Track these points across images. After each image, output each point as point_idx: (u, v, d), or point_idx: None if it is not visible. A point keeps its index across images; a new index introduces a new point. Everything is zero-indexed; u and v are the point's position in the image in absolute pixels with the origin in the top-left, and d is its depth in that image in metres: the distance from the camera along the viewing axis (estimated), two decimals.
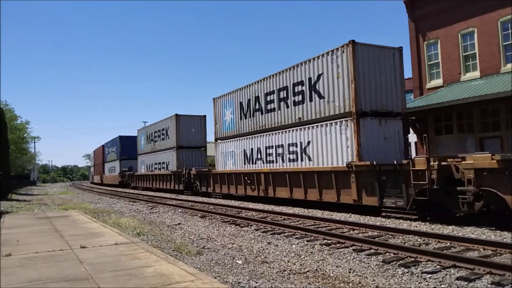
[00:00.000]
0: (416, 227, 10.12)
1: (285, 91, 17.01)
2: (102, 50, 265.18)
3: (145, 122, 43.82)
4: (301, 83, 15.96)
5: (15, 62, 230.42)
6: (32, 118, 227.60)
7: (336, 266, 6.65)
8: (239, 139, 20.44)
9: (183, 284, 5.03)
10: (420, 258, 6.76)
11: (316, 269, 6.53)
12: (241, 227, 11.29)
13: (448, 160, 10.63)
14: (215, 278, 5.83)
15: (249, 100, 19.85)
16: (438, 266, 6.30)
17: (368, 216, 12.21)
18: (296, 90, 16.30)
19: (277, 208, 15.41)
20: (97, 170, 64.89)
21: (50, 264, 6.38)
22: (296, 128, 16.20)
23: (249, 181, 19.06)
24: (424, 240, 8.29)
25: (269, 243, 8.82)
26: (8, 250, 7.44)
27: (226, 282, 5.77)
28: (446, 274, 5.90)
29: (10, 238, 9.05)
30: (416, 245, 7.90)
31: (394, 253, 7.22)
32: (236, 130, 20.90)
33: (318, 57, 14.99)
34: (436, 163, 10.39)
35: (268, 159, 18.03)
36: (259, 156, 18.76)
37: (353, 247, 7.99)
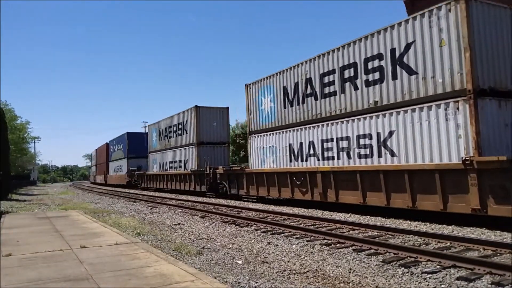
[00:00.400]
0: (416, 227, 10.12)
1: (352, 69, 13.46)
2: (102, 50, 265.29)
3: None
4: (379, 56, 12.47)
5: (15, 62, 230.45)
6: (32, 118, 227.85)
7: (336, 266, 6.65)
8: (283, 132, 16.96)
9: (183, 284, 5.03)
10: (420, 258, 6.76)
11: (316, 269, 6.53)
12: (241, 227, 11.29)
13: None
14: (215, 278, 5.84)
15: (296, 84, 16.24)
16: (438, 266, 6.31)
17: (368, 216, 12.20)
18: (370, 67, 12.79)
19: (277, 208, 15.40)
20: (100, 169, 61.43)
21: (50, 264, 6.39)
22: (370, 115, 12.69)
23: (298, 183, 15.57)
24: (424, 240, 8.29)
25: (269, 243, 8.82)
26: (8, 250, 7.44)
27: (226, 282, 5.77)
28: (446, 274, 5.90)
29: (10, 238, 9.05)
30: (416, 245, 7.90)
31: (394, 253, 7.22)
32: (278, 121, 17.33)
33: (406, 21, 11.64)
34: None
35: (326, 155, 14.49)
36: (311, 152, 15.19)
37: (353, 247, 7.99)
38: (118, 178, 45.88)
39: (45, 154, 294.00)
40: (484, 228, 9.37)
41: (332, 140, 14.29)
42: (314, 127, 15.22)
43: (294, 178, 15.81)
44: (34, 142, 70.36)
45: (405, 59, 11.71)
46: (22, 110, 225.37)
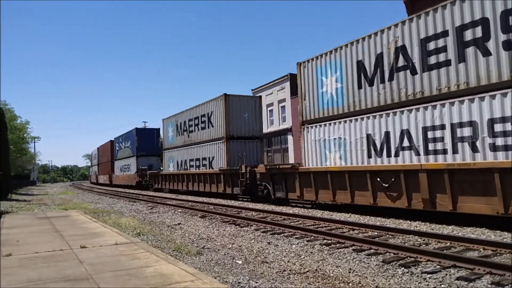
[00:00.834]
0: (416, 227, 10.12)
1: (479, 28, 9.79)
2: (102, 50, 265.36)
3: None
4: None
5: (15, 62, 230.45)
6: (32, 118, 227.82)
7: (336, 266, 6.65)
8: (356, 120, 13.11)
9: (183, 284, 5.03)
10: (420, 258, 6.76)
11: (316, 269, 6.53)
12: (241, 227, 11.29)
13: None
14: (215, 278, 5.84)
15: (379, 56, 12.40)
16: (438, 266, 6.31)
17: (368, 216, 12.21)
18: None
19: (277, 208, 15.40)
20: (103, 169, 57.05)
21: (50, 264, 6.38)
22: None
23: (385, 185, 11.84)
24: (424, 240, 8.30)
25: (269, 243, 8.82)
26: (8, 250, 7.44)
27: (226, 282, 5.77)
28: (446, 274, 5.90)
29: (10, 238, 9.05)
30: (416, 245, 7.90)
31: (394, 253, 7.22)
32: (349, 106, 13.44)
33: None
34: None
35: (431, 148, 10.83)
36: (406, 144, 11.53)
37: (353, 247, 7.99)
38: (126, 178, 42.04)
39: (45, 154, 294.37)
40: (484, 228, 9.37)
41: (442, 127, 10.61)
42: (410, 111, 11.43)
43: (378, 179, 12.10)
44: (34, 142, 70.35)
45: None
46: (22, 110, 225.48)
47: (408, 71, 11.61)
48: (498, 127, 9.39)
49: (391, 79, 12.12)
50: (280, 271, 6.47)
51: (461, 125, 10.20)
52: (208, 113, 24.60)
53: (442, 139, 10.65)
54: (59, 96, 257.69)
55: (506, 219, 9.26)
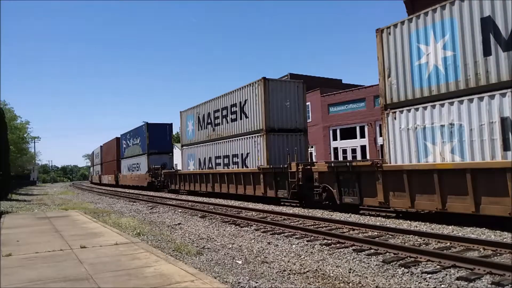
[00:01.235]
0: (416, 227, 10.12)
1: None
2: (103, 50, 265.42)
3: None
4: None
5: (15, 62, 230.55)
6: (32, 118, 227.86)
7: (336, 266, 6.66)
8: (479, 99, 9.68)
9: (183, 284, 5.03)
10: (420, 258, 6.77)
11: (316, 269, 6.53)
12: (241, 227, 11.29)
13: None
14: (215, 278, 5.84)
15: None
16: (438, 266, 6.31)
17: (368, 216, 12.21)
18: None
19: (277, 208, 15.40)
20: (108, 168, 53.26)
21: (50, 264, 6.39)
22: None
23: None
24: (424, 240, 8.30)
25: (269, 243, 8.82)
26: (8, 250, 7.44)
27: (226, 282, 5.77)
28: (446, 274, 5.90)
29: (10, 238, 9.06)
30: (416, 245, 7.90)
31: (394, 253, 7.22)
32: (466, 81, 10.00)
33: None
34: None
35: None
36: None
37: (353, 247, 7.99)
38: (136, 178, 38.37)
39: (45, 154, 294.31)
40: (484, 228, 9.37)
41: None
42: None
43: None
44: (34, 142, 70.25)
45: None
46: (22, 110, 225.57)
47: None
48: None
49: None
50: (280, 271, 6.47)
51: None
52: (240, 102, 20.75)
53: None
54: (59, 96, 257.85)
55: None
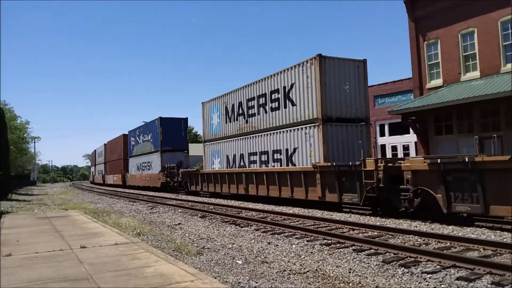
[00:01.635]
0: (416, 227, 10.12)
1: None
2: (103, 49, 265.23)
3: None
4: None
5: (15, 62, 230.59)
6: (32, 118, 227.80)
7: (336, 266, 6.66)
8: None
9: (183, 284, 5.03)
10: (420, 258, 6.77)
11: (316, 269, 6.53)
12: (241, 227, 11.29)
13: None
14: (215, 278, 5.84)
15: None
16: (438, 266, 6.31)
17: (368, 216, 12.21)
18: None
19: (277, 208, 15.40)
20: (113, 167, 49.42)
21: (50, 264, 6.39)
22: None
23: None
24: (424, 240, 8.30)
25: (269, 243, 8.83)
26: (8, 250, 7.45)
27: (226, 282, 5.77)
28: (446, 274, 5.90)
29: (10, 238, 9.06)
30: (416, 245, 7.90)
31: (394, 253, 7.22)
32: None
33: None
34: None
35: None
36: None
37: (353, 247, 7.99)
38: (147, 178, 34.97)
39: (45, 154, 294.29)
40: (484, 228, 9.38)
41: None
42: None
43: None
44: (34, 142, 70.24)
45: None
46: (22, 110, 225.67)
47: None
48: None
49: None
50: (280, 271, 6.48)
51: None
52: (285, 87, 17.55)
53: None
54: (59, 96, 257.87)
55: None
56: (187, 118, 33.88)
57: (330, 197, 14.20)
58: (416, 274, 6.00)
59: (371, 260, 6.94)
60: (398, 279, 5.87)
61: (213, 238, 9.71)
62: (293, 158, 16.93)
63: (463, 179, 10.07)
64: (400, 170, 11.75)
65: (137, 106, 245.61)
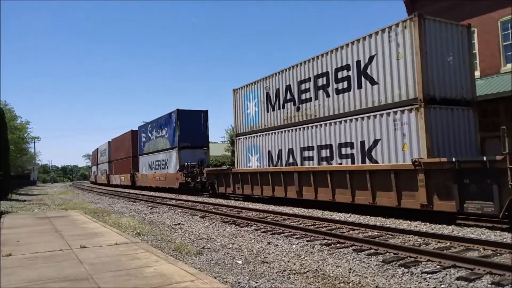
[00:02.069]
0: (416, 227, 10.12)
1: None
2: (103, 49, 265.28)
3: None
4: None
5: (15, 62, 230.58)
6: (32, 118, 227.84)
7: (336, 266, 6.66)
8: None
9: (183, 284, 5.04)
10: (420, 258, 6.77)
11: (316, 269, 6.53)
12: (241, 227, 11.29)
13: None
14: (215, 278, 5.84)
15: None
16: (438, 266, 6.31)
17: (368, 216, 12.21)
18: None
19: (277, 208, 15.40)
20: (119, 167, 44.84)
21: (50, 264, 6.39)
22: None
23: None
24: (424, 240, 8.30)
25: (269, 243, 8.83)
26: (8, 250, 7.45)
27: (226, 282, 5.77)
28: (446, 274, 5.90)
29: (10, 238, 9.06)
30: (416, 245, 7.90)
31: (394, 253, 7.22)
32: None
33: None
34: None
35: None
36: None
37: (353, 247, 7.99)
38: (161, 178, 31.17)
39: (45, 154, 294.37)
40: (484, 228, 9.38)
41: None
42: None
43: None
44: (34, 142, 70.28)
45: None
46: (22, 110, 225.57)
47: None
48: None
49: None
50: (280, 271, 6.48)
51: None
52: (359, 61, 13.67)
53: None
54: (59, 96, 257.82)
55: None
56: (207, 111, 29.89)
57: (441, 205, 10.45)
58: (416, 274, 6.00)
59: (371, 260, 6.94)
60: (398, 279, 5.87)
61: (213, 238, 9.71)
62: (372, 153, 13.00)
63: None
64: None
65: (137, 106, 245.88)
